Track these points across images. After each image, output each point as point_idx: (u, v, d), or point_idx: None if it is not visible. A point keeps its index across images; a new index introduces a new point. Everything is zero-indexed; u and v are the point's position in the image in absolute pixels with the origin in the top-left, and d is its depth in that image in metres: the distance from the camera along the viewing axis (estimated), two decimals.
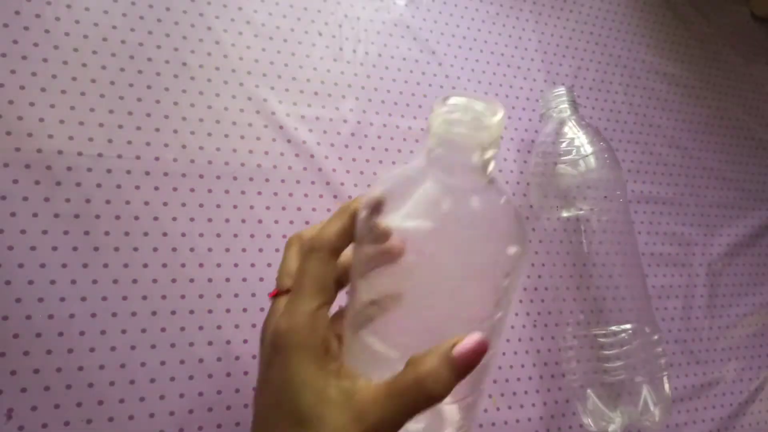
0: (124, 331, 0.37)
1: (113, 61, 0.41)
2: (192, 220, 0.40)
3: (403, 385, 0.23)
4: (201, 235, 0.40)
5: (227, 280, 0.40)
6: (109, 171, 0.39)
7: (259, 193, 0.43)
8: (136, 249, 0.38)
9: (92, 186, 0.38)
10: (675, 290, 0.58)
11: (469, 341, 0.23)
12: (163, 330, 0.38)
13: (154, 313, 0.38)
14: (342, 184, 0.46)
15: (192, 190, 0.41)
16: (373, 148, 0.48)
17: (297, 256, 0.29)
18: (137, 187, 0.39)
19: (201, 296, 0.39)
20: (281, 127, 0.45)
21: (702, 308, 0.59)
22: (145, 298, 0.38)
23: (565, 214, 0.50)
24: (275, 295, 0.28)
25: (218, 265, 0.40)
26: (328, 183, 0.46)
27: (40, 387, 0.34)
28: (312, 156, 0.46)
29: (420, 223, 0.24)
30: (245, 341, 0.40)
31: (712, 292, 0.60)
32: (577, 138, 0.51)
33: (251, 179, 0.43)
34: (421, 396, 0.23)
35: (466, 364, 0.23)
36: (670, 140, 0.64)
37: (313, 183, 0.45)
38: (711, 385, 0.56)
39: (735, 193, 0.65)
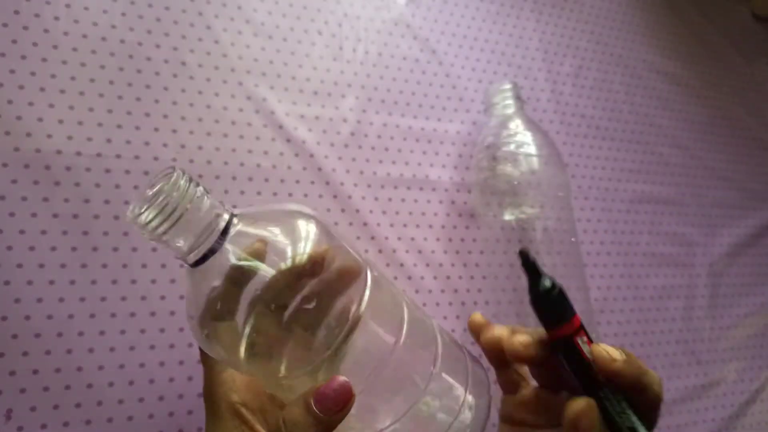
0: (123, 332, 0.37)
1: (112, 61, 0.41)
2: None
3: None
4: None
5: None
6: (107, 171, 0.39)
7: (259, 192, 0.43)
8: (134, 249, 0.38)
9: (91, 186, 0.38)
10: (676, 290, 0.58)
11: (331, 383, 0.22)
12: (162, 331, 0.38)
13: (153, 314, 0.38)
14: (342, 184, 0.46)
15: None
16: (373, 148, 0.48)
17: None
18: (136, 187, 0.39)
19: None
20: (280, 127, 0.45)
21: (703, 308, 0.59)
22: (144, 298, 0.38)
23: (506, 217, 0.47)
24: None
25: None
26: (327, 183, 0.46)
27: (39, 387, 0.34)
28: (311, 156, 0.45)
29: None
30: None
31: (714, 292, 0.60)
32: (521, 135, 0.47)
33: (250, 179, 0.43)
34: None
35: (327, 408, 0.22)
36: (671, 140, 0.63)
37: (312, 183, 0.45)
38: (712, 385, 0.56)
39: (736, 193, 0.65)
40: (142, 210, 0.22)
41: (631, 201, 0.59)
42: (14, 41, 0.38)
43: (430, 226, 0.49)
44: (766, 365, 0.60)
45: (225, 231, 0.23)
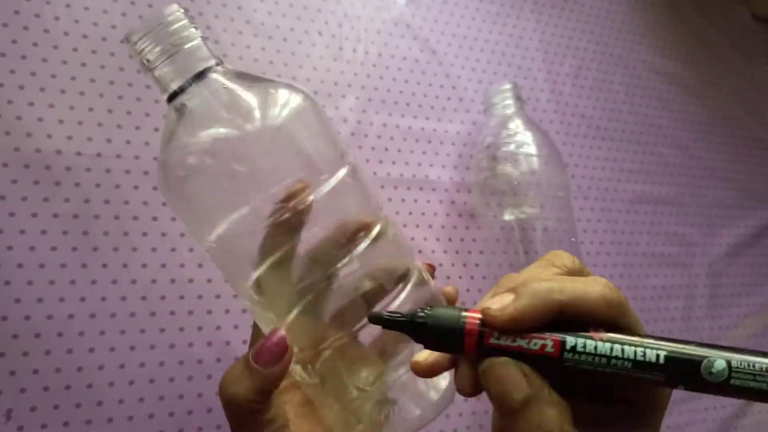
0: (123, 332, 0.37)
1: (112, 61, 0.41)
2: None
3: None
4: None
5: (227, 280, 0.40)
6: (108, 171, 0.39)
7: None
8: (135, 249, 0.38)
9: (91, 186, 0.38)
10: (676, 290, 0.58)
11: (269, 337, 0.22)
12: (162, 330, 0.38)
13: (153, 314, 0.38)
14: None
15: None
16: (373, 148, 0.48)
17: None
18: (136, 187, 0.39)
19: (200, 297, 0.39)
20: None
21: (703, 308, 0.59)
22: (144, 298, 0.38)
23: (506, 217, 0.47)
24: None
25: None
26: None
27: (40, 387, 0.34)
28: None
29: None
30: (244, 342, 0.40)
31: (713, 292, 0.60)
32: (521, 135, 0.47)
33: None
34: (226, 405, 0.23)
35: (264, 361, 0.22)
36: (671, 140, 0.63)
37: None
38: None
39: (736, 193, 0.65)
40: (140, 36, 0.23)
41: (631, 201, 0.59)
42: (14, 41, 0.38)
43: (430, 226, 0.49)
44: None
45: (202, 73, 0.23)
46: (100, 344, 0.36)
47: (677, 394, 0.59)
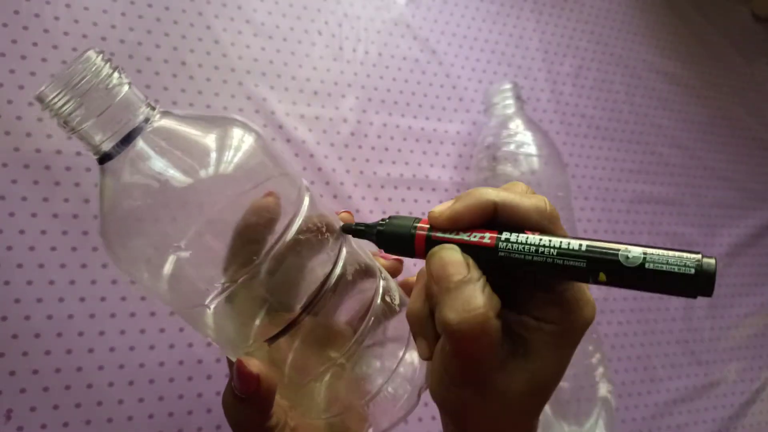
0: (122, 332, 0.37)
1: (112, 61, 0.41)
2: None
3: None
4: None
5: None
6: None
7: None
8: None
9: (91, 186, 0.38)
10: None
11: (237, 368, 0.22)
12: (161, 331, 0.38)
13: (152, 314, 0.38)
14: (342, 183, 0.46)
15: None
16: (373, 148, 0.48)
17: None
18: None
19: None
20: (280, 127, 0.45)
21: (703, 309, 0.59)
22: (143, 299, 0.38)
23: None
24: None
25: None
26: (327, 183, 0.46)
27: (39, 387, 0.34)
28: (311, 155, 0.45)
29: None
30: None
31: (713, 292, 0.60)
32: (521, 135, 0.47)
33: None
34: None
35: (246, 390, 0.22)
36: (671, 140, 0.63)
37: (312, 183, 0.45)
38: (712, 385, 0.56)
39: (736, 193, 0.65)
40: (50, 89, 0.20)
41: (631, 201, 0.59)
42: (14, 41, 0.38)
43: None
44: (766, 365, 0.60)
45: (130, 136, 0.20)
46: (100, 344, 0.36)
47: (677, 393, 0.58)
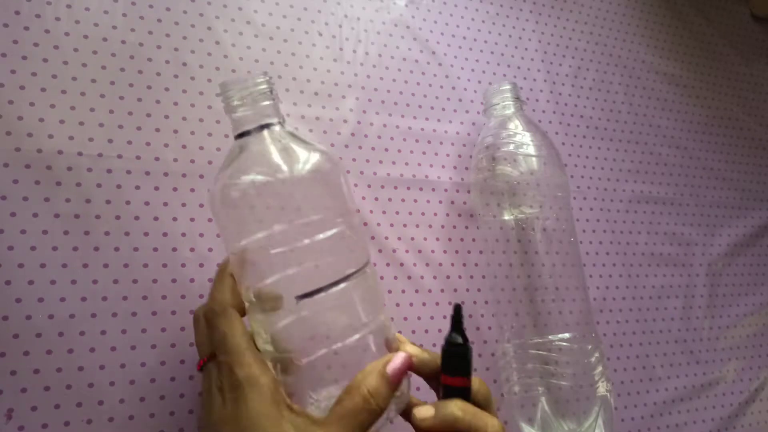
0: (124, 331, 0.37)
1: (113, 61, 0.41)
2: (192, 220, 0.40)
3: (353, 407, 0.27)
4: (201, 235, 0.40)
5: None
6: (109, 171, 0.39)
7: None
8: (136, 249, 0.38)
9: (92, 186, 0.38)
10: (675, 290, 0.58)
11: (398, 358, 0.29)
12: (163, 330, 0.38)
13: (154, 314, 0.38)
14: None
15: (192, 190, 0.41)
16: (373, 148, 0.48)
17: (206, 327, 0.31)
18: (137, 187, 0.39)
19: (201, 296, 0.39)
20: None
21: (702, 308, 0.59)
22: (145, 298, 0.38)
23: (506, 217, 0.47)
24: (202, 366, 0.30)
25: (219, 266, 0.40)
26: None
27: (41, 387, 0.34)
28: None
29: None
30: None
31: (712, 291, 0.60)
32: (520, 136, 0.48)
33: None
34: (368, 413, 0.27)
35: (398, 379, 0.28)
36: (670, 140, 0.64)
37: None
38: (711, 385, 0.56)
39: (735, 193, 0.65)
40: (232, 88, 0.31)
41: (630, 201, 0.59)
42: (15, 42, 0.39)
43: (430, 226, 0.49)
44: (765, 365, 0.60)
45: (266, 126, 0.31)
46: (101, 344, 0.36)
47: (676, 393, 0.59)
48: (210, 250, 0.40)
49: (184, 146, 0.42)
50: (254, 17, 0.47)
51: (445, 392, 0.30)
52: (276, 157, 0.30)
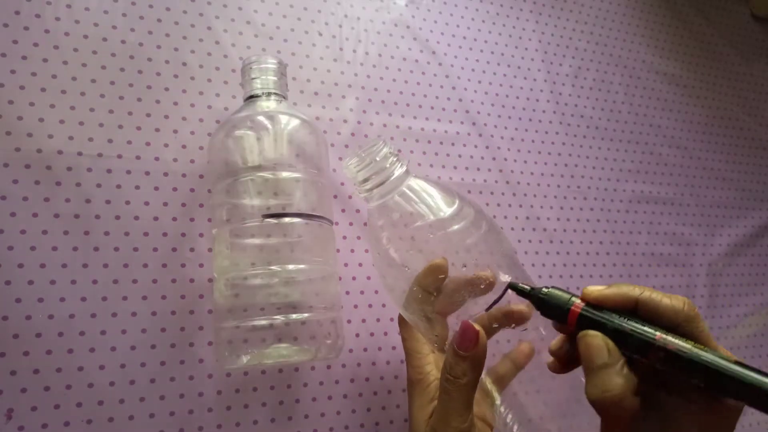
0: (124, 332, 0.37)
1: (113, 61, 0.41)
2: (192, 220, 0.40)
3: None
4: (201, 235, 0.40)
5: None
6: (109, 171, 0.39)
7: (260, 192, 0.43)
8: (136, 249, 0.38)
9: (92, 186, 0.38)
10: (675, 290, 0.58)
11: (459, 330, 0.29)
12: (163, 330, 0.38)
13: (154, 314, 0.38)
14: (342, 184, 0.46)
15: (192, 190, 0.41)
16: None
17: None
18: (137, 188, 0.39)
19: (201, 296, 0.39)
20: None
21: (702, 308, 0.59)
22: (145, 298, 0.38)
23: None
24: None
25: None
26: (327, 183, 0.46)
27: (40, 387, 0.34)
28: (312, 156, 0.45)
29: None
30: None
31: (713, 292, 0.60)
32: None
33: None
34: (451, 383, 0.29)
35: (463, 347, 0.28)
36: (670, 140, 0.64)
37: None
38: None
39: (735, 193, 0.65)
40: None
41: (630, 201, 0.59)
42: (15, 42, 0.39)
43: None
44: (766, 365, 0.60)
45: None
46: (101, 344, 0.36)
47: None
48: (210, 250, 0.40)
49: (184, 146, 0.42)
50: (254, 17, 0.47)
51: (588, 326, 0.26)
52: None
